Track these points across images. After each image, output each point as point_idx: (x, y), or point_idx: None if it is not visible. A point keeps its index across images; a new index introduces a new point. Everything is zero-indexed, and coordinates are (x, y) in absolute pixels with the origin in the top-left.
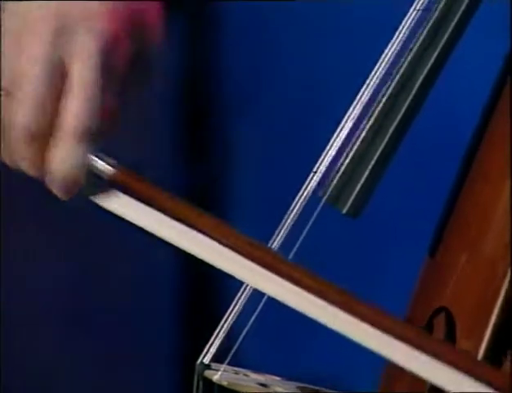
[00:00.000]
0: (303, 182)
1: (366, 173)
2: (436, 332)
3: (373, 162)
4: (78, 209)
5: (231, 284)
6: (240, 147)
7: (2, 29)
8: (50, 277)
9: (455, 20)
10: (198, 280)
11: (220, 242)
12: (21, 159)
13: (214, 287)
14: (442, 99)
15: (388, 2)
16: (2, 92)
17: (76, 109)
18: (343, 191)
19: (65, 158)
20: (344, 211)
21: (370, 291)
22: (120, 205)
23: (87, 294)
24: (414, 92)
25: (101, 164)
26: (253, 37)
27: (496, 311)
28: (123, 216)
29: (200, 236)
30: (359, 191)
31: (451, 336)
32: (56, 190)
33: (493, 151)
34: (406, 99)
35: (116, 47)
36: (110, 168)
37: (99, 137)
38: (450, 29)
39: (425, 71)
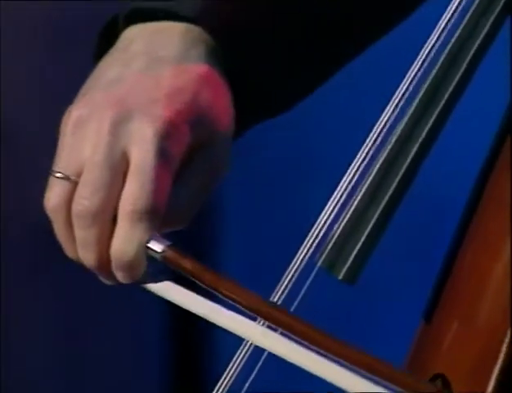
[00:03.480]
0: (296, 247)
1: (363, 239)
2: None
3: (369, 228)
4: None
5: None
6: (229, 210)
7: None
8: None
9: (453, 85)
10: (185, 339)
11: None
12: (81, 245)
13: (202, 343)
14: (438, 161)
15: (382, 69)
16: (58, 175)
17: (132, 191)
18: (339, 257)
19: (123, 239)
20: (341, 277)
21: None
22: (176, 293)
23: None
24: (410, 157)
25: (155, 245)
26: None
27: (494, 377)
28: (180, 305)
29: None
30: (355, 258)
31: None
32: (120, 274)
33: (492, 212)
34: (402, 164)
35: (174, 133)
36: (163, 247)
37: (159, 220)
38: (447, 95)
39: (422, 136)
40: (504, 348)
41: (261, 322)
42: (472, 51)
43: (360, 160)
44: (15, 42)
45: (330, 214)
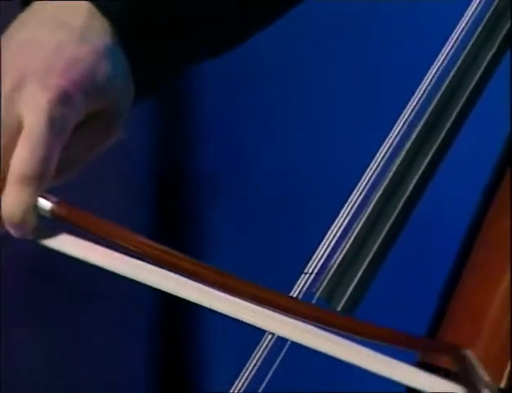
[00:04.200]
0: (294, 277)
1: (361, 271)
2: None
3: (369, 259)
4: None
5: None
6: (216, 242)
7: None
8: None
9: (448, 125)
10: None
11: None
12: None
13: (189, 343)
14: (435, 194)
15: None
16: None
17: (22, 156)
18: (337, 288)
19: (11, 202)
20: (339, 309)
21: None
22: (69, 243)
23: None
24: (408, 192)
25: (43, 203)
26: (229, 130)
27: None
28: (72, 254)
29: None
30: (354, 289)
31: None
32: (12, 231)
33: (490, 246)
34: (400, 198)
35: (67, 102)
36: (50, 204)
37: (47, 183)
38: (443, 133)
39: (420, 171)
40: (503, 384)
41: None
42: (469, 91)
43: (360, 189)
44: None
45: (329, 244)
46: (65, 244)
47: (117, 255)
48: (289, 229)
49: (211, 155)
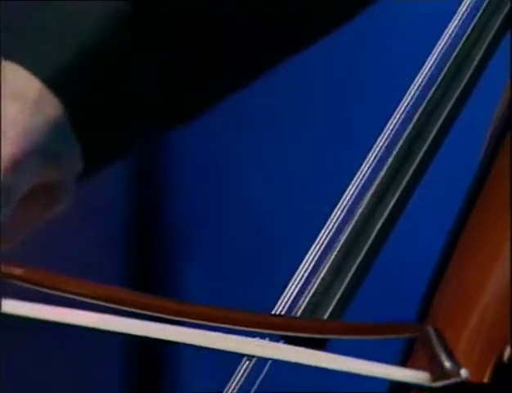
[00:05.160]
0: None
1: (342, 288)
2: None
3: (350, 275)
4: None
5: None
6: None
7: None
8: None
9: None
10: None
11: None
12: None
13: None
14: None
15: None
16: None
17: None
18: (319, 305)
19: None
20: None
21: None
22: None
23: None
24: (385, 214)
25: None
26: (204, 182)
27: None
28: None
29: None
30: (336, 306)
31: None
32: None
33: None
34: (377, 221)
35: (17, 171)
36: None
37: None
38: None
39: (401, 188)
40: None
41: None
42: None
43: (335, 217)
44: None
45: (306, 269)
46: (15, 306)
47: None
48: (265, 283)
49: (186, 207)
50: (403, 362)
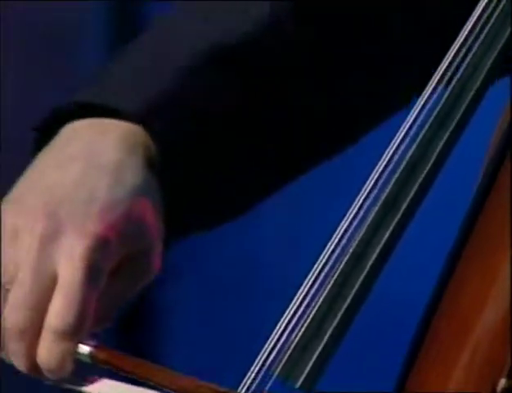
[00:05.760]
0: (253, 357)
1: (320, 348)
2: None
3: (326, 339)
4: None
5: None
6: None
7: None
8: None
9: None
10: None
11: None
12: (12, 354)
13: None
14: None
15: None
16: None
17: (58, 309)
18: (295, 366)
19: (48, 352)
20: (297, 386)
21: None
22: (108, 387)
23: None
24: (366, 270)
25: (82, 348)
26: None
27: None
28: None
29: None
30: (312, 367)
31: None
32: (49, 375)
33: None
34: (359, 275)
35: (104, 248)
36: (89, 350)
37: (84, 333)
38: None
39: (379, 247)
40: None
41: None
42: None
43: (317, 270)
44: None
45: (286, 325)
46: (104, 388)
47: None
48: (247, 319)
49: None
50: None
